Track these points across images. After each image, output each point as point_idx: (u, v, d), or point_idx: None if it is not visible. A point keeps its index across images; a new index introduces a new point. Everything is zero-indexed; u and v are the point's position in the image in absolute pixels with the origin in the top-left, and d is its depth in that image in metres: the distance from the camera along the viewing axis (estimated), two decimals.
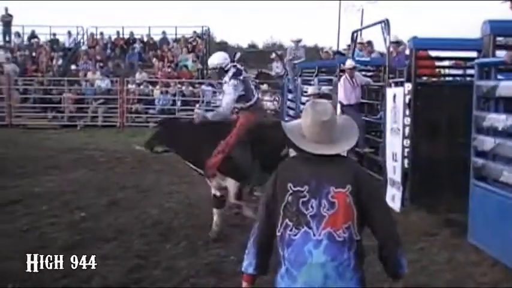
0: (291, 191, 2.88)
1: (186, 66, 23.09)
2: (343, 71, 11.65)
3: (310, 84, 15.23)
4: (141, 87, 21.52)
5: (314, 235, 2.81)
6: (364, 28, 12.61)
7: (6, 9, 25.91)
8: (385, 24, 9.52)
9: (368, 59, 13.23)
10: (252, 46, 49.54)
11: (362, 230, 2.92)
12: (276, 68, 21.52)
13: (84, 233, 7.15)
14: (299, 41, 18.09)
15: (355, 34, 12.40)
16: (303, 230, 2.82)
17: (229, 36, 73.53)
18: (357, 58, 12.54)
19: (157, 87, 21.53)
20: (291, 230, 2.85)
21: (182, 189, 9.49)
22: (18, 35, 25.96)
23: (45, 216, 8.00)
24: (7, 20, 25.85)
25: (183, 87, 21.29)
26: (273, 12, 79.87)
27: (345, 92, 11.19)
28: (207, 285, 5.53)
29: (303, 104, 15.76)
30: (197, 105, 20.89)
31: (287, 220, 2.87)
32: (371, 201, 2.92)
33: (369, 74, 12.63)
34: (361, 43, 13.40)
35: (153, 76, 22.41)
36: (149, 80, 21.87)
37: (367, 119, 11.01)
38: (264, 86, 22.23)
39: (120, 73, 22.08)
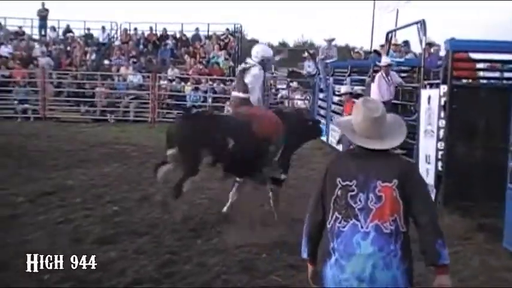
0: (340, 186, 3.04)
1: (217, 63, 23.17)
2: (376, 71, 11.59)
3: (342, 84, 15.18)
4: (173, 83, 21.65)
5: (362, 227, 2.96)
6: (399, 28, 12.51)
7: (43, 4, 26.28)
8: (422, 24, 9.44)
9: (402, 59, 13.12)
10: (283, 44, 49.46)
11: (408, 222, 3.03)
12: (308, 67, 21.44)
13: (117, 227, 7.21)
14: (332, 40, 17.98)
15: (389, 34, 12.32)
16: (352, 223, 2.98)
17: (260, 34, 73.49)
18: (391, 59, 12.44)
19: (189, 83, 21.63)
20: (340, 222, 3.02)
21: (213, 186, 9.50)
22: (53, 29, 26.32)
23: (79, 209, 8.10)
24: (43, 15, 26.19)
25: (214, 84, 21.36)
26: (304, 11, 79.58)
27: (379, 88, 11.12)
28: (239, 283, 5.53)
29: (335, 103, 15.73)
30: (227, 103, 20.96)
31: (336, 213, 3.04)
32: (416, 194, 3.02)
33: (403, 74, 12.53)
34: (396, 44, 13.29)
35: (184, 72, 22.52)
36: (181, 77, 21.98)
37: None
38: (294, 84, 22.22)
39: (152, 69, 22.23)
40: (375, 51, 14.64)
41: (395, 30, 12.95)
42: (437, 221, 3.08)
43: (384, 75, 11.17)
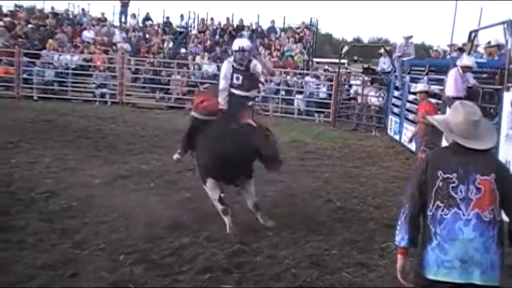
0: (441, 178, 3.39)
1: (291, 56, 23.13)
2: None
3: (418, 82, 14.86)
4: None
5: (463, 215, 3.31)
6: (483, 28, 12.11)
7: None
8: (508, 25, 9.12)
9: (484, 60, 12.71)
10: (357, 40, 48.94)
11: (501, 212, 3.37)
12: (383, 63, 21.06)
13: (189, 213, 7.32)
14: (410, 37, 17.60)
15: (472, 34, 11.95)
16: (454, 211, 3.33)
17: (334, 29, 72.88)
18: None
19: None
20: (442, 211, 3.36)
21: (284, 178, 9.52)
22: (133, 16, 26.93)
23: (153, 194, 8.28)
24: (125, 2, 26.86)
25: (288, 77, 21.35)
26: (379, 7, 78.31)
27: (455, 82, 10.82)
28: (309, 278, 5.51)
29: (410, 101, 15.44)
30: (299, 96, 20.92)
31: (438, 202, 3.37)
32: (510, 188, 3.38)
33: (483, 76, 12.14)
34: (489, 46, 12.83)
35: None
36: None
37: None
38: (366, 79, 21.91)
39: (227, 59, 22.33)
40: (460, 49, 14.23)
41: (478, 30, 12.54)
42: None
43: (461, 72, 10.85)
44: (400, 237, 3.52)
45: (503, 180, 3.36)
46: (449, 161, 3.44)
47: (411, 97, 15.47)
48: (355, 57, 33.56)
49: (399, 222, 3.54)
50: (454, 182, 3.35)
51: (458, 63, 11.19)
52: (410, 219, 3.49)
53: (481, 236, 3.29)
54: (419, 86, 11.32)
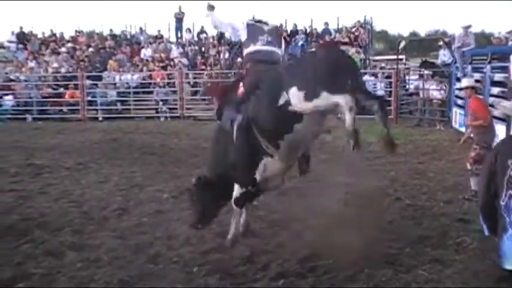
0: (511, 167, 3.30)
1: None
2: None
3: (481, 72, 14.47)
4: None
5: None
6: None
7: (180, 7, 27.49)
8: None
9: None
10: (414, 34, 48.07)
11: None
12: (443, 55, 20.64)
13: (258, 220, 7.35)
14: (469, 27, 17.17)
15: None
16: None
17: (389, 25, 71.83)
18: None
19: None
20: None
21: (351, 180, 9.41)
22: (189, 31, 27.34)
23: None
24: (179, 17, 27.34)
25: None
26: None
27: None
28: (384, 277, 5.44)
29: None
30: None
31: (510, 191, 3.30)
32: None
33: None
34: None
35: None
36: None
37: None
38: (427, 73, 21.49)
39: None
40: None
41: None
42: None
43: None
44: (484, 227, 3.69)
45: None
46: None
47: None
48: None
49: (481, 217, 3.68)
50: None
51: None
52: (482, 208, 3.64)
53: None
54: (464, 82, 10.24)
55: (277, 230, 6.95)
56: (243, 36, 6.47)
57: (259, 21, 6.48)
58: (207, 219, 6.70)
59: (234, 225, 6.55)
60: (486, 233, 3.62)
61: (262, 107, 5.82)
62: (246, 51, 6.49)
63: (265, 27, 6.42)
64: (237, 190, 6.32)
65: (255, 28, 6.42)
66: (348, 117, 5.14)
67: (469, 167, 8.59)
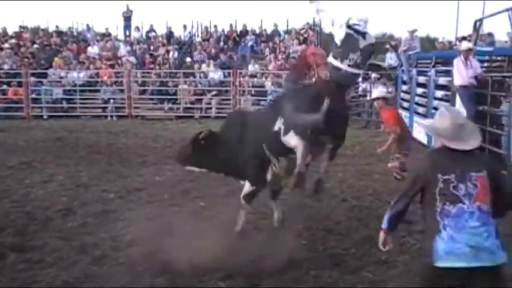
0: (441, 180, 3.79)
1: (294, 57, 23.06)
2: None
3: (425, 75, 14.82)
4: (255, 79, 21.78)
5: (468, 208, 3.73)
6: (488, 16, 12.02)
7: (127, 5, 27.13)
8: None
9: (491, 48, 12.63)
10: None
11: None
12: (390, 59, 21.04)
13: (205, 222, 7.29)
14: (415, 31, 17.56)
15: (477, 23, 11.89)
16: (458, 206, 3.74)
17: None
18: (478, 48, 12.01)
19: (269, 79, 21.69)
20: (448, 206, 3.76)
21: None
22: (137, 29, 27.04)
23: (168, 205, 8.29)
24: (127, 15, 26.99)
25: None
26: (381, 3, 77.97)
27: (458, 70, 10.74)
28: (330, 279, 5.50)
29: (418, 95, 15.41)
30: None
31: (443, 199, 3.77)
32: (499, 179, 3.93)
33: (493, 65, 12.06)
34: (480, 34, 12.78)
35: (264, 68, 22.60)
36: (262, 72, 22.08)
37: (488, 110, 10.49)
38: (374, 75, 21.84)
39: (232, 65, 22.46)
40: (464, 38, 14.15)
41: (483, 19, 12.46)
42: None
43: (462, 59, 10.76)
44: (384, 221, 4.09)
45: (493, 175, 3.87)
46: (446, 163, 3.86)
47: (419, 90, 15.45)
48: None
49: (387, 213, 4.07)
50: (453, 182, 3.78)
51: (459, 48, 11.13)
52: (396, 211, 4.01)
53: (484, 225, 3.73)
54: (375, 92, 10.00)
55: (226, 232, 6.88)
56: (337, 38, 5.81)
57: (357, 31, 5.74)
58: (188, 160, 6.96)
59: (242, 217, 6.76)
60: (384, 227, 4.08)
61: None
62: (331, 59, 5.83)
63: (361, 43, 5.71)
64: (247, 187, 6.59)
65: (350, 39, 5.72)
66: (298, 162, 5.72)
67: (398, 176, 8.48)
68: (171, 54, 24.74)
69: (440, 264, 3.71)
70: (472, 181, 3.79)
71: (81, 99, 21.61)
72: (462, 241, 3.70)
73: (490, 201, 3.81)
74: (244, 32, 26.04)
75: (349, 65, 5.65)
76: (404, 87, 17.78)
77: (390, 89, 19.08)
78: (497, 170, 4.07)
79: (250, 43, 25.13)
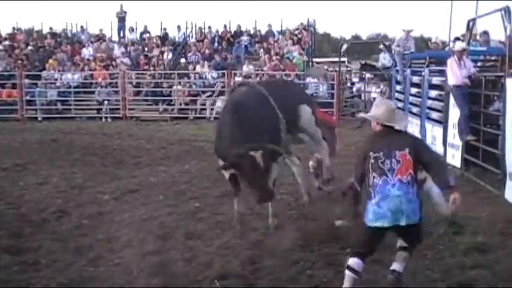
0: (372, 156, 4.85)
1: (289, 58, 23.09)
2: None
3: (419, 76, 14.85)
4: (250, 79, 21.77)
5: (390, 180, 4.77)
6: (481, 16, 12.02)
7: (121, 6, 27.11)
8: (506, 11, 9.10)
9: (485, 48, 12.66)
10: (356, 37, 48.95)
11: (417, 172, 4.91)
12: (383, 59, 21.10)
13: (200, 223, 7.34)
14: (410, 31, 17.61)
15: (470, 23, 11.91)
16: (383, 178, 4.78)
17: (332, 28, 72.88)
18: (471, 48, 12.03)
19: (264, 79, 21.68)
20: (375, 178, 4.81)
21: (293, 181, 9.47)
22: (131, 30, 26.98)
23: (162, 206, 8.28)
24: (121, 16, 26.94)
25: (289, 79, 21.31)
26: (376, 3, 78.29)
27: (451, 70, 10.76)
28: (325, 278, 5.51)
29: (412, 95, 15.46)
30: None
31: (373, 173, 4.82)
32: (423, 154, 4.93)
33: (487, 64, 12.08)
34: (474, 34, 12.79)
35: (259, 69, 22.61)
36: (256, 73, 22.09)
37: (483, 110, 10.51)
38: (368, 76, 21.92)
39: (227, 66, 22.47)
40: (457, 38, 14.19)
41: (476, 18, 12.47)
42: (442, 161, 5.09)
43: (456, 59, 10.79)
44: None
45: (415, 151, 4.84)
46: (377, 143, 4.95)
47: (413, 90, 15.49)
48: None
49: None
50: (381, 158, 4.80)
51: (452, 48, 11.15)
52: (356, 181, 5.05)
53: (405, 194, 4.72)
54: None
55: (220, 232, 6.94)
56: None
57: None
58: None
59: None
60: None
61: None
62: None
63: None
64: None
65: None
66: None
67: None
68: (165, 55, 24.69)
69: (370, 224, 4.80)
70: (395, 158, 4.79)
71: (75, 100, 21.56)
72: (385, 207, 4.71)
73: (413, 173, 4.78)
74: (239, 33, 26.04)
75: None
76: (398, 87, 17.82)
77: (384, 88, 19.22)
78: (417, 147, 4.93)
79: (244, 44, 25.12)
